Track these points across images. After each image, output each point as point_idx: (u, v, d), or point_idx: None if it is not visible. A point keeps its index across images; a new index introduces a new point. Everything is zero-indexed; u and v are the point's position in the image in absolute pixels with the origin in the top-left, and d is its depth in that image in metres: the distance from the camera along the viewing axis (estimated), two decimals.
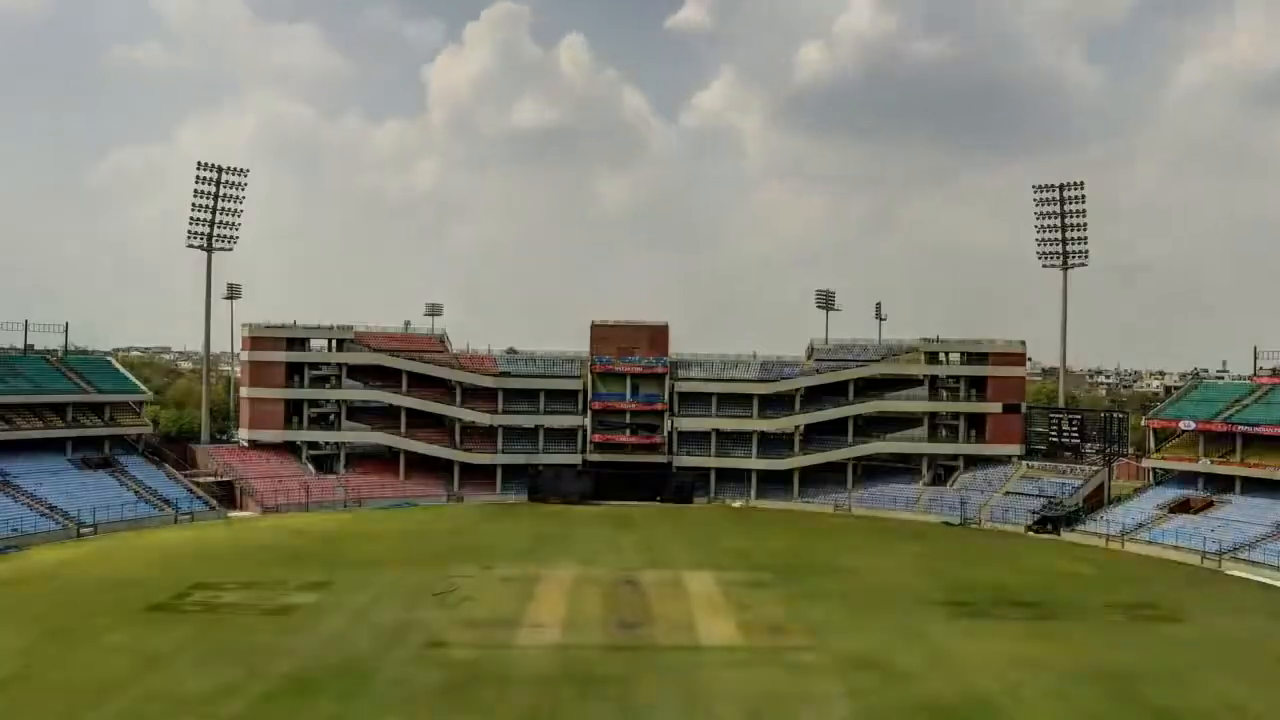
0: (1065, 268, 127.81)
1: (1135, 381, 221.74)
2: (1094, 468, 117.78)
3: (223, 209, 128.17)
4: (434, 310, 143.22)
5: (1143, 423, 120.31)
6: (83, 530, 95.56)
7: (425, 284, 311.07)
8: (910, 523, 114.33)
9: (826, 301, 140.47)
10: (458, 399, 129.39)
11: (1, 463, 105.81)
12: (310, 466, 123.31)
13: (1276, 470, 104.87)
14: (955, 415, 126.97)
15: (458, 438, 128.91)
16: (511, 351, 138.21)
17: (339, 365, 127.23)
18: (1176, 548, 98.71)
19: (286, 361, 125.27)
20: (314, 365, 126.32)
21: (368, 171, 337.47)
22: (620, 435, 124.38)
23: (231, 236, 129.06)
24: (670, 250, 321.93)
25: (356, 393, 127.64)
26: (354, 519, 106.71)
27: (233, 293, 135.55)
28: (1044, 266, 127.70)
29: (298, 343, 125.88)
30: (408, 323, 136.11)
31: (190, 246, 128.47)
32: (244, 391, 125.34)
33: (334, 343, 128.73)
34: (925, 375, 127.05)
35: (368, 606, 70.57)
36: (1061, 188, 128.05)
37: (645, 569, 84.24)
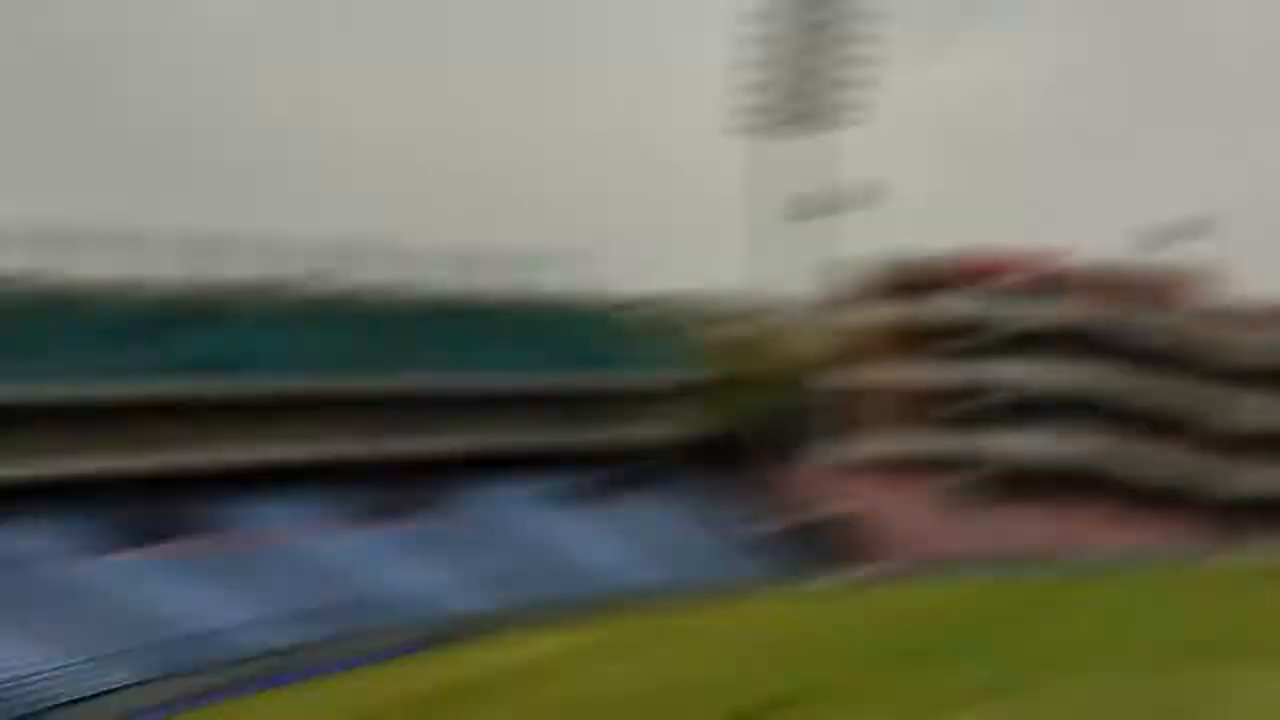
0: None
1: None
2: None
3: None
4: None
5: None
6: (592, 601, 70.11)
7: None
8: None
9: None
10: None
11: (455, 486, 75.68)
12: (950, 497, 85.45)
13: None
14: None
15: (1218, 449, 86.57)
16: None
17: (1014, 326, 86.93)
18: None
19: (927, 322, 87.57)
20: (956, 328, 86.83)
21: None
22: None
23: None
24: None
25: (1050, 373, 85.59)
26: (1030, 590, 73.03)
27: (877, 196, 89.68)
28: None
29: (929, 287, 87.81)
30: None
31: (723, 130, 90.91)
32: (849, 373, 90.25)
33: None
34: None
35: None
36: None
37: None
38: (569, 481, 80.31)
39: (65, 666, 51.53)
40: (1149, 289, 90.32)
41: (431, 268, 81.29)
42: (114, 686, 50.89)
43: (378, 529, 69.40)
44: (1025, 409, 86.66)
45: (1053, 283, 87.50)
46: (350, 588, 64.28)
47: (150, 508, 64.52)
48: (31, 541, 59.91)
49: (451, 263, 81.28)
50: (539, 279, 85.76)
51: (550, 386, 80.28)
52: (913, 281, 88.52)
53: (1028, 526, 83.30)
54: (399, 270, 79.70)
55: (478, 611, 65.18)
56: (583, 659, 61.06)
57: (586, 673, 57.98)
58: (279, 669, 56.20)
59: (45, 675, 50.00)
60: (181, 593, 59.60)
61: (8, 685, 48.17)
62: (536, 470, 79.70)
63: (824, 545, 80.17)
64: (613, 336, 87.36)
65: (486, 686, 55.09)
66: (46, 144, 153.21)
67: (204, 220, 72.63)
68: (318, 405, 71.85)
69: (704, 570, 75.72)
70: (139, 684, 51.17)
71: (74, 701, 49.15)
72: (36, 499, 61.46)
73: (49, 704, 48.58)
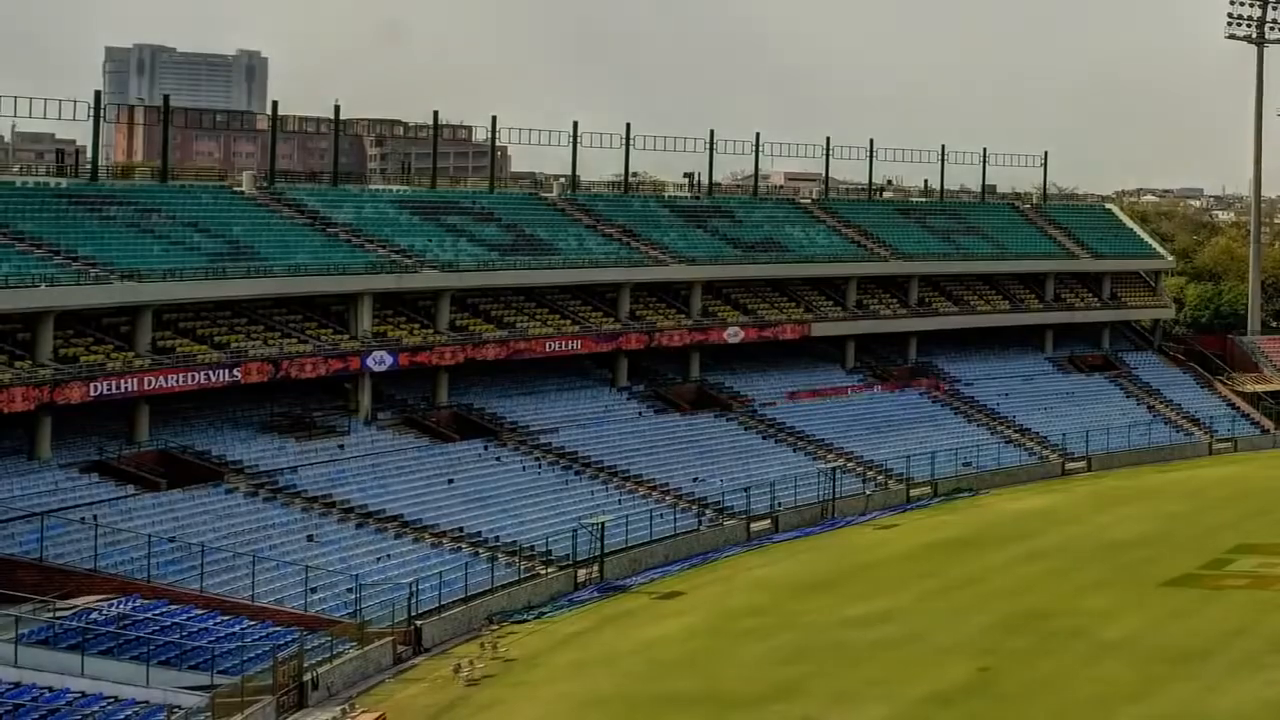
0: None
1: None
2: None
3: None
4: None
5: None
6: (1069, 465, 77.87)
7: None
8: None
9: None
10: None
11: (944, 360, 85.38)
12: None
13: None
14: None
15: None
16: None
17: None
18: None
19: None
20: None
21: None
22: None
23: None
24: None
25: None
26: None
27: None
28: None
29: None
30: None
31: (1232, 38, 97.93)
32: None
33: None
34: None
35: None
36: None
37: None
38: (1077, 352, 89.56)
39: None
40: None
41: (964, 167, 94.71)
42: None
43: (913, 391, 79.67)
44: None
45: None
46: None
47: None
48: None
49: (978, 162, 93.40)
50: (1050, 178, 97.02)
51: (1044, 269, 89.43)
52: None
53: None
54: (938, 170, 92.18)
55: (992, 468, 73.61)
56: (1054, 515, 66.53)
57: (1055, 525, 64.23)
58: (809, 521, 63.87)
59: None
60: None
61: None
62: (1050, 340, 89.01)
63: None
64: (1097, 227, 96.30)
65: (995, 529, 62.56)
66: None
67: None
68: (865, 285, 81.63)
69: (1189, 432, 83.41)
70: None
71: None
72: None
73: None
